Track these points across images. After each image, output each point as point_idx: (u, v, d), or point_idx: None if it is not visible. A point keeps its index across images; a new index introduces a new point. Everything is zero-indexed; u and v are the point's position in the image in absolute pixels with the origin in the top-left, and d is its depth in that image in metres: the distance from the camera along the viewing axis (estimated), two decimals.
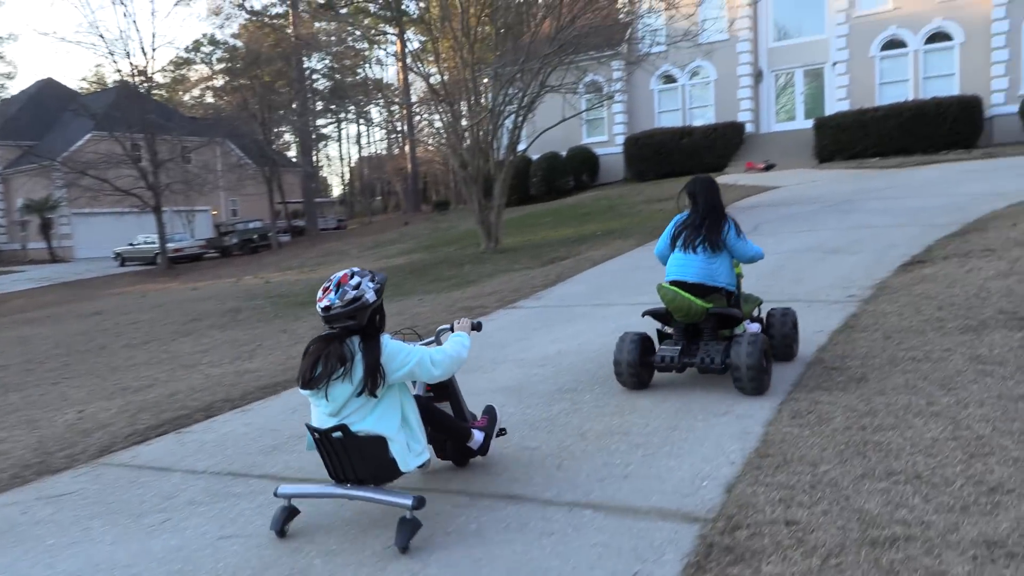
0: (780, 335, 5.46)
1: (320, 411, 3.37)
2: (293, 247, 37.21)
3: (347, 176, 77.89)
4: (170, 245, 34.45)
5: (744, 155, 25.91)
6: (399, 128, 46.13)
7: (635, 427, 4.54)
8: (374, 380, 3.24)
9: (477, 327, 4.00)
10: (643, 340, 5.18)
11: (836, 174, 20.73)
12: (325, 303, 3.25)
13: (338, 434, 3.24)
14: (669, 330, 5.37)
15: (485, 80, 18.93)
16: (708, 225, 5.08)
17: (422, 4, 36.30)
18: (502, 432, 4.20)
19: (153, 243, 35.02)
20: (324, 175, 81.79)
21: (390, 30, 47.40)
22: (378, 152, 71.41)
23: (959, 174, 17.24)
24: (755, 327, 5.49)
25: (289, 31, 40.77)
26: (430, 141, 29.09)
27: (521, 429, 4.75)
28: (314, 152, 74.11)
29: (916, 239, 10.42)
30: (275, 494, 3.55)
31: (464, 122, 17.20)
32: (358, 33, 43.75)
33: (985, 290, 7.13)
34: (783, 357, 5.48)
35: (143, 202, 31.58)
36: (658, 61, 29.07)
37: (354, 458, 3.28)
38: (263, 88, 38.33)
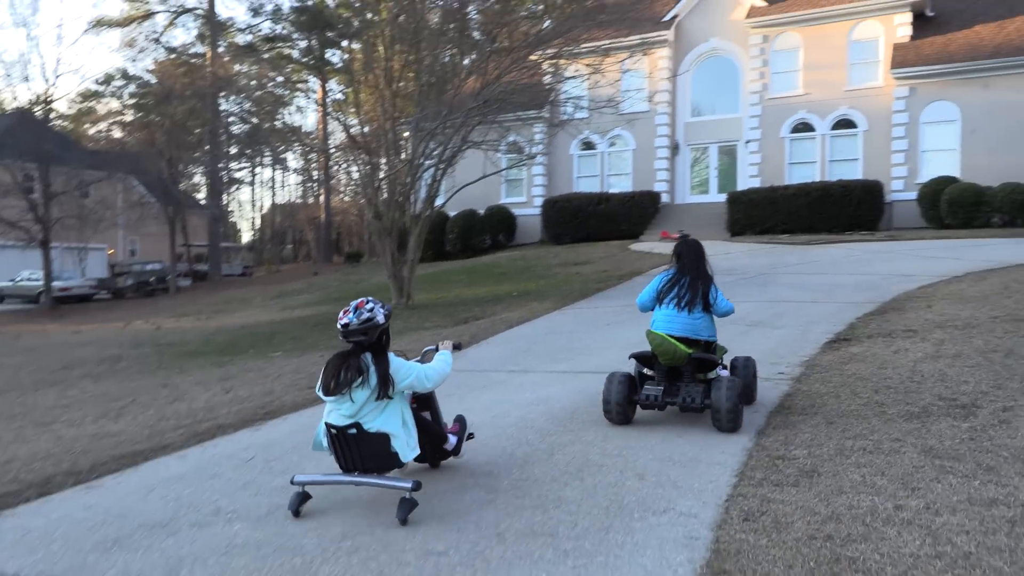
0: (743, 381, 5.90)
1: (340, 413, 4.09)
2: (193, 292, 35.26)
3: (258, 222, 75.68)
4: (57, 284, 32.05)
5: (659, 224, 26.08)
6: (315, 176, 45.02)
7: (562, 526, 3.81)
8: (386, 387, 4.06)
9: (458, 347, 4.89)
10: (629, 380, 5.70)
11: (749, 247, 20.94)
12: (344, 321, 4.09)
13: (353, 431, 4.03)
14: (650, 372, 5.89)
15: (406, 134, 18.39)
16: (697, 289, 5.75)
17: (346, 56, 35.80)
18: (470, 436, 5.01)
19: (37, 280, 32.51)
20: (234, 220, 79.28)
21: (312, 78, 46.73)
22: (292, 200, 69.77)
23: (866, 254, 17.56)
24: (726, 372, 5.94)
25: (208, 70, 39.54)
26: (346, 191, 28.26)
27: (427, 523, 3.95)
28: (225, 196, 71.80)
29: (836, 316, 10.22)
30: (291, 482, 4.24)
31: (381, 173, 16.49)
32: (280, 79, 42.87)
33: (918, 374, 6.80)
34: (745, 401, 5.86)
35: (29, 236, 29.31)
36: (579, 127, 29.32)
37: (364, 451, 4.06)
38: (173, 126, 36.73)
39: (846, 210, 22.98)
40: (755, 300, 12.02)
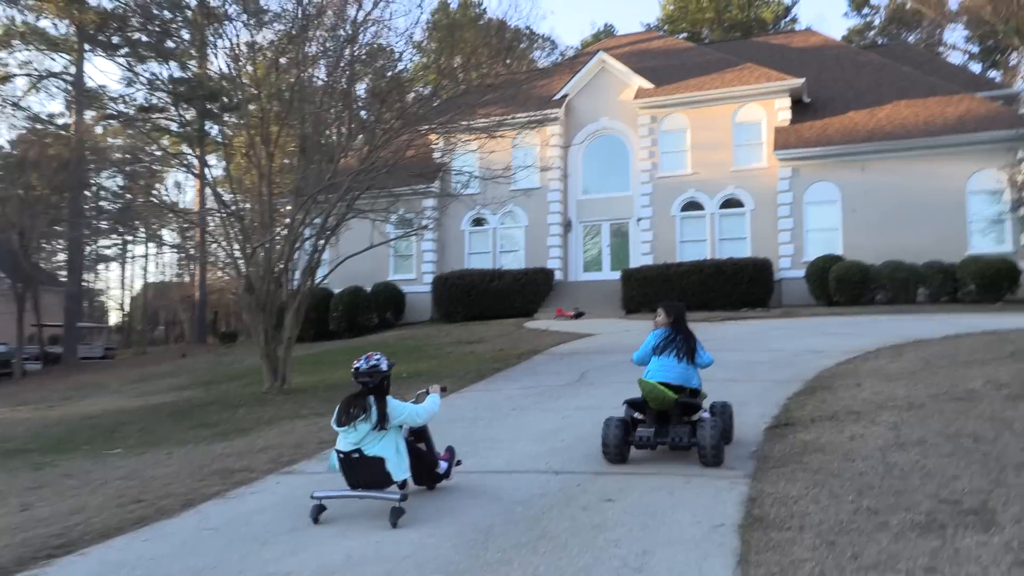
0: (722, 422, 6.45)
1: (346, 440, 5.24)
2: (43, 377, 31.33)
3: (128, 302, 70.38)
4: None
5: (554, 301, 25.10)
6: (191, 252, 41.99)
7: None
8: (383, 422, 5.19)
9: (444, 390, 6.20)
10: (625, 423, 6.42)
11: (647, 324, 20.07)
12: (356, 366, 5.34)
13: (356, 455, 5.16)
14: (641, 416, 6.55)
15: (288, 207, 16.64)
16: (688, 344, 6.58)
17: (226, 128, 33.70)
18: (459, 463, 6.04)
19: None
20: (102, 299, 73.52)
21: (190, 151, 44.12)
22: (166, 278, 65.37)
23: (768, 330, 16.95)
24: (707, 415, 6.46)
25: (73, 139, 36.43)
26: (223, 267, 25.91)
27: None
28: (92, 274, 66.54)
29: (764, 396, 9.12)
30: (311, 496, 5.32)
31: (254, 239, 14.63)
32: (156, 152, 40.14)
33: (895, 467, 5.62)
34: (725, 440, 6.41)
35: None
36: (471, 202, 28.31)
37: (364, 471, 5.20)
38: (29, 196, 33.30)
39: (738, 287, 22.69)
40: None
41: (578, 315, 23.11)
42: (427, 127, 26.89)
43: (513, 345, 18.17)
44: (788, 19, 50.43)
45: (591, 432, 7.73)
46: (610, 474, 6.11)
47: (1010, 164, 21.88)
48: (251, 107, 16.42)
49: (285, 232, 14.55)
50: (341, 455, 5.21)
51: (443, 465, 5.78)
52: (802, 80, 24.96)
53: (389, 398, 5.30)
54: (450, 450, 6.03)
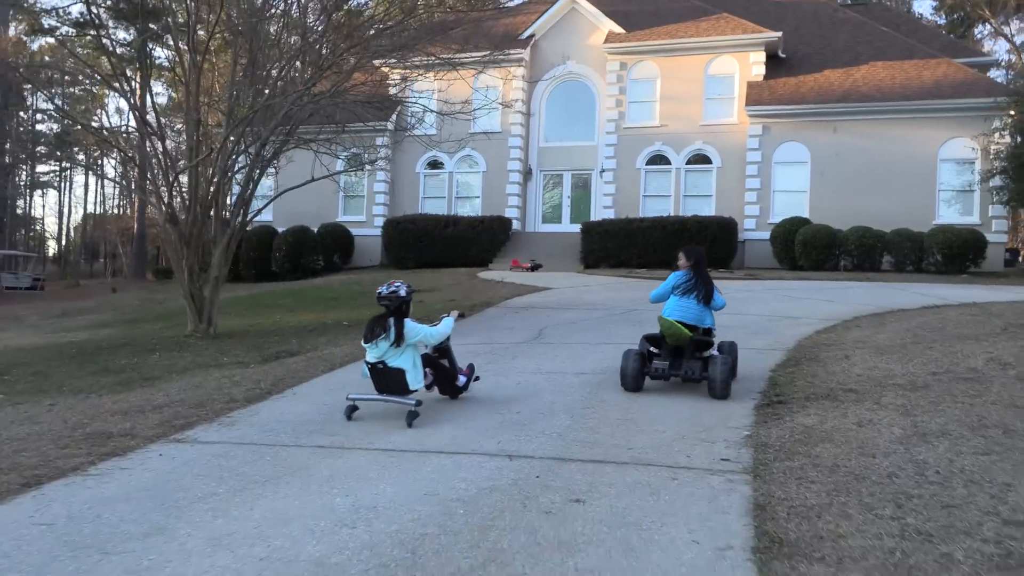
0: (731, 359, 6.94)
1: (372, 354, 6.04)
2: None
3: (68, 232, 66.88)
4: None
5: (510, 252, 23.79)
6: (124, 181, 39.38)
7: None
8: (400, 340, 5.91)
9: (462, 316, 7.16)
10: (642, 355, 6.94)
11: (607, 280, 18.98)
12: (379, 291, 6.07)
13: (381, 366, 5.99)
14: (657, 350, 7.06)
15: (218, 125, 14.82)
16: (707, 287, 7.08)
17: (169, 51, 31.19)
18: (477, 379, 6.89)
19: None
20: (39, 228, 69.78)
21: (131, 74, 41.11)
22: (108, 209, 62.12)
23: (734, 293, 15.86)
24: (716, 352, 7.03)
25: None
26: (147, 192, 23.80)
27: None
28: (26, 199, 62.88)
29: (745, 367, 8.00)
30: (347, 398, 6.23)
31: (182, 163, 12.92)
32: (95, 75, 37.18)
33: (927, 467, 4.52)
34: (731, 375, 6.85)
35: None
36: (427, 143, 26.62)
37: (388, 380, 6.01)
38: None
39: (702, 245, 21.61)
40: (636, 341, 9.69)
41: (535, 267, 21.87)
42: (382, 61, 25.02)
43: (465, 296, 16.87)
44: None
45: (552, 404, 6.51)
46: (576, 461, 4.90)
47: (984, 133, 21.09)
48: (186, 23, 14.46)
49: (214, 157, 12.84)
50: (369, 365, 6.09)
51: (462, 379, 6.70)
52: (779, 34, 23.71)
53: (407, 320, 6.03)
54: (470, 367, 6.93)
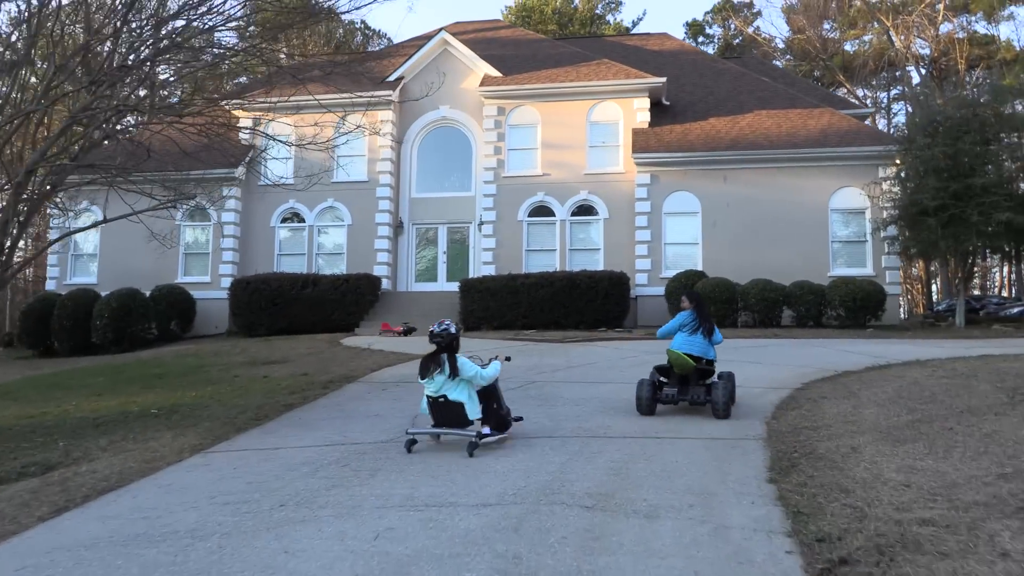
0: (731, 385, 7.78)
1: (430, 389, 6.41)
2: None
3: None
4: None
5: (380, 314, 20.57)
6: None
7: None
8: (453, 373, 6.30)
9: (508, 359, 7.37)
10: (654, 384, 7.83)
11: (493, 345, 16.10)
12: (432, 329, 6.53)
13: (441, 399, 6.35)
14: (666, 380, 7.96)
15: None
16: (708, 325, 8.02)
17: None
18: (519, 419, 6.96)
19: None
20: None
21: None
22: None
23: (643, 355, 13.45)
24: (717, 379, 7.75)
25: None
26: None
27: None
28: None
29: (719, 468, 5.28)
30: (406, 432, 6.51)
31: None
32: None
33: None
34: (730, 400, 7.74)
35: None
36: (283, 195, 23.22)
37: (447, 413, 6.35)
38: None
39: (593, 303, 19.30)
40: (556, 434, 6.80)
41: (408, 331, 18.72)
42: (228, 102, 21.61)
43: (322, 368, 13.51)
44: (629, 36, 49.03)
45: None
46: None
47: (874, 181, 20.13)
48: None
49: None
50: (429, 399, 6.45)
51: (486, 430, 6.49)
52: (662, 80, 22.25)
53: (459, 356, 6.46)
54: (508, 411, 6.91)
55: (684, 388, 7.75)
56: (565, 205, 22.19)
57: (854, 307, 18.18)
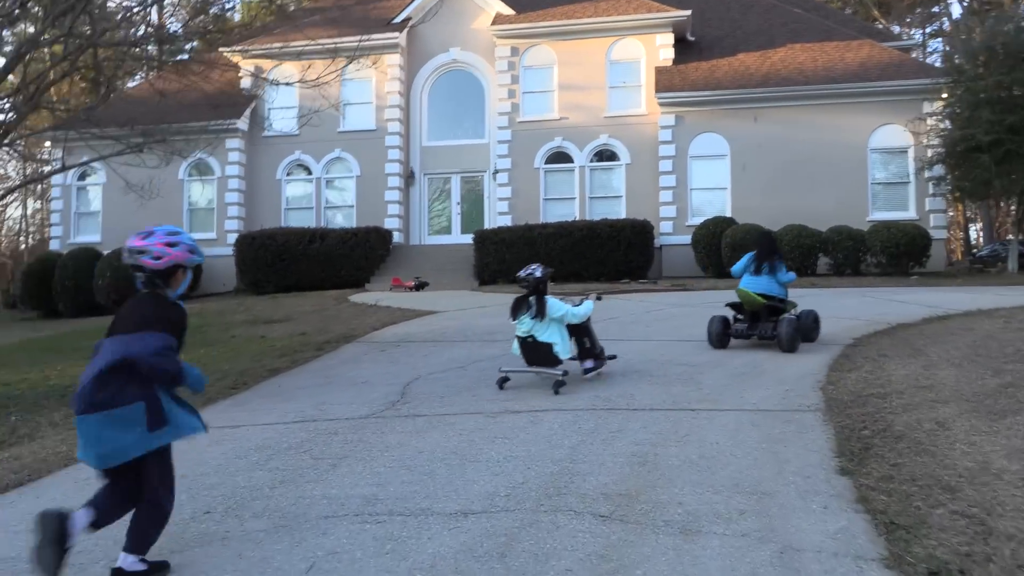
0: (805, 324, 7.94)
1: (520, 330, 6.42)
2: None
3: None
4: None
5: (391, 269, 19.45)
6: None
7: None
8: (540, 314, 6.28)
9: (599, 298, 7.36)
10: (724, 320, 8.08)
11: (507, 299, 14.85)
12: (519, 274, 6.54)
13: (531, 340, 6.35)
14: (740, 316, 8.19)
15: None
16: (770, 264, 8.06)
17: None
18: (613, 356, 6.90)
19: None
20: None
21: None
22: None
23: (663, 307, 12.19)
24: (791, 318, 7.90)
25: None
26: None
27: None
28: None
29: (793, 467, 4.07)
30: (499, 370, 6.62)
31: None
32: None
33: None
34: (805, 338, 7.88)
35: None
36: (288, 146, 22.02)
37: (537, 353, 6.35)
38: None
39: (614, 254, 17.98)
40: (567, 406, 5.60)
41: (419, 286, 17.60)
42: (231, 49, 20.42)
43: (322, 328, 12.40)
44: None
45: None
46: None
47: (918, 117, 18.40)
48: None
49: None
50: (519, 340, 6.46)
51: (588, 363, 6.66)
52: (687, 13, 20.49)
53: (548, 297, 6.41)
54: (602, 349, 6.83)
55: (754, 324, 7.96)
56: (584, 151, 20.71)
57: (896, 253, 16.70)
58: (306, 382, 7.65)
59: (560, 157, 20.91)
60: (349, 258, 19.40)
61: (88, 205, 22.74)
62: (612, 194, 20.62)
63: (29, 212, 41.11)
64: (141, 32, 10.07)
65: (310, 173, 22.08)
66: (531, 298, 6.35)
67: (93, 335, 15.84)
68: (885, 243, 16.71)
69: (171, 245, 3.16)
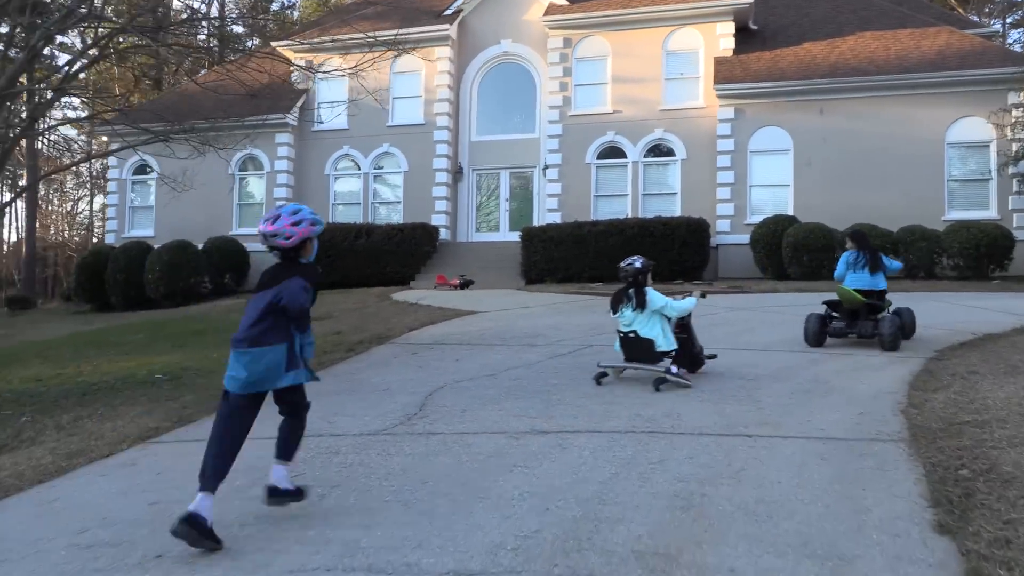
0: (900, 320, 7.71)
1: (621, 324, 6.35)
2: None
3: None
4: None
5: (436, 266, 18.91)
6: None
7: None
8: (640, 305, 6.19)
9: (704, 295, 7.20)
10: (822, 318, 7.91)
11: (552, 299, 14.18)
12: (620, 265, 6.50)
13: (632, 335, 6.25)
14: (836, 314, 8.02)
15: None
16: (873, 260, 8.01)
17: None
18: (713, 356, 6.73)
19: None
20: None
21: None
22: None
23: (718, 311, 11.29)
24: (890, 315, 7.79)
25: None
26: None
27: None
28: None
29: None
30: (598, 365, 6.51)
31: None
32: None
33: None
34: (905, 335, 7.75)
35: None
36: (336, 141, 21.72)
37: (638, 348, 6.24)
38: None
39: (668, 253, 17.04)
40: (603, 428, 4.86)
41: (465, 284, 17.00)
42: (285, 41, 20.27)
43: (359, 326, 11.89)
44: None
45: None
46: None
47: (1002, 108, 16.94)
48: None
49: None
50: (621, 334, 6.37)
51: (674, 368, 6.26)
52: (750, 0, 19.36)
53: (648, 289, 6.29)
54: (701, 349, 6.66)
55: (852, 322, 7.87)
56: (638, 145, 19.80)
57: (976, 255, 15.37)
58: (327, 388, 7.06)
59: (613, 152, 20.04)
60: (395, 254, 18.94)
61: (143, 199, 22.85)
62: (667, 191, 19.65)
63: (96, 208, 42.07)
64: (203, 33, 9.82)
65: (358, 168, 21.71)
66: (630, 290, 6.28)
67: (139, 329, 15.72)
68: (963, 244, 15.39)
69: (296, 224, 3.66)
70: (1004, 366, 6.23)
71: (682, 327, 6.49)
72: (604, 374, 6.39)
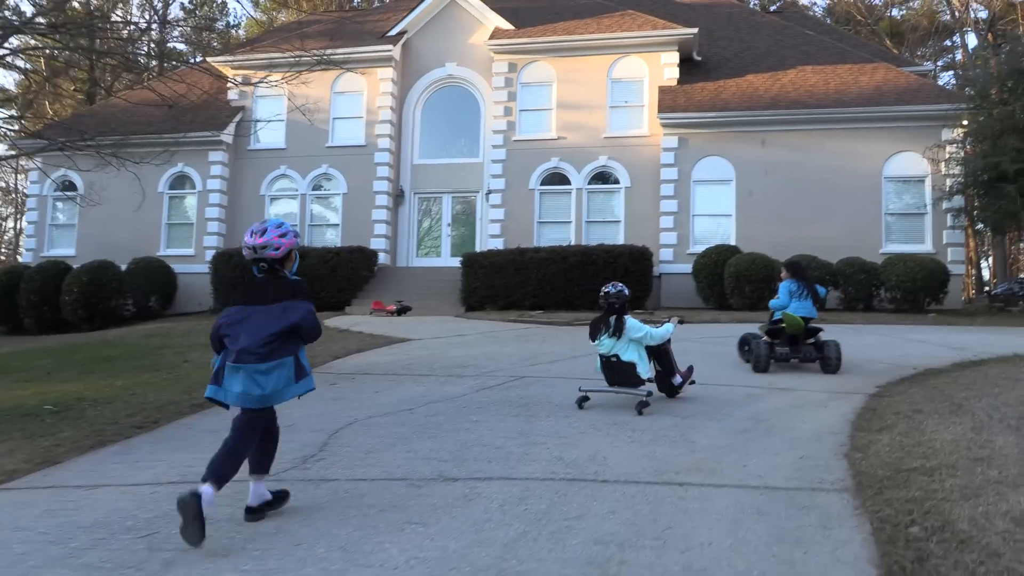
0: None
1: (601, 349, 6.36)
2: None
3: None
4: None
5: (374, 291, 18.20)
6: None
7: None
8: (619, 332, 6.21)
9: (681, 321, 7.62)
10: (769, 344, 8.29)
11: (490, 327, 13.63)
12: (605, 290, 6.42)
13: (613, 359, 6.27)
14: (775, 340, 8.40)
15: None
16: (811, 288, 8.43)
17: None
18: (692, 382, 6.75)
19: None
20: None
21: None
22: None
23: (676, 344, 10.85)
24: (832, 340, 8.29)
25: None
26: None
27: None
28: None
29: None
30: (579, 389, 6.44)
31: None
32: None
33: None
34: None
35: None
36: (273, 160, 20.96)
37: (620, 373, 6.26)
38: None
39: (615, 279, 16.64)
40: (516, 475, 4.30)
41: (401, 311, 16.35)
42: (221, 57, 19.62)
43: None
44: None
45: None
46: None
47: (937, 144, 17.20)
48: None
49: None
50: (602, 359, 6.39)
51: (677, 379, 6.62)
52: (694, 31, 19.42)
53: (627, 317, 6.37)
54: (689, 369, 6.84)
55: (795, 347, 8.28)
56: (582, 172, 19.55)
57: (913, 288, 15.41)
58: (221, 425, 6.36)
59: (556, 178, 19.74)
60: (330, 279, 18.16)
61: (69, 217, 21.63)
62: (610, 218, 19.40)
63: (21, 227, 40.13)
64: (144, 49, 9.12)
65: (296, 189, 20.94)
66: (611, 317, 6.30)
67: (49, 354, 14.58)
68: (901, 277, 15.42)
69: (282, 236, 3.75)
70: (948, 404, 5.90)
71: (661, 353, 6.55)
72: (585, 398, 6.38)
